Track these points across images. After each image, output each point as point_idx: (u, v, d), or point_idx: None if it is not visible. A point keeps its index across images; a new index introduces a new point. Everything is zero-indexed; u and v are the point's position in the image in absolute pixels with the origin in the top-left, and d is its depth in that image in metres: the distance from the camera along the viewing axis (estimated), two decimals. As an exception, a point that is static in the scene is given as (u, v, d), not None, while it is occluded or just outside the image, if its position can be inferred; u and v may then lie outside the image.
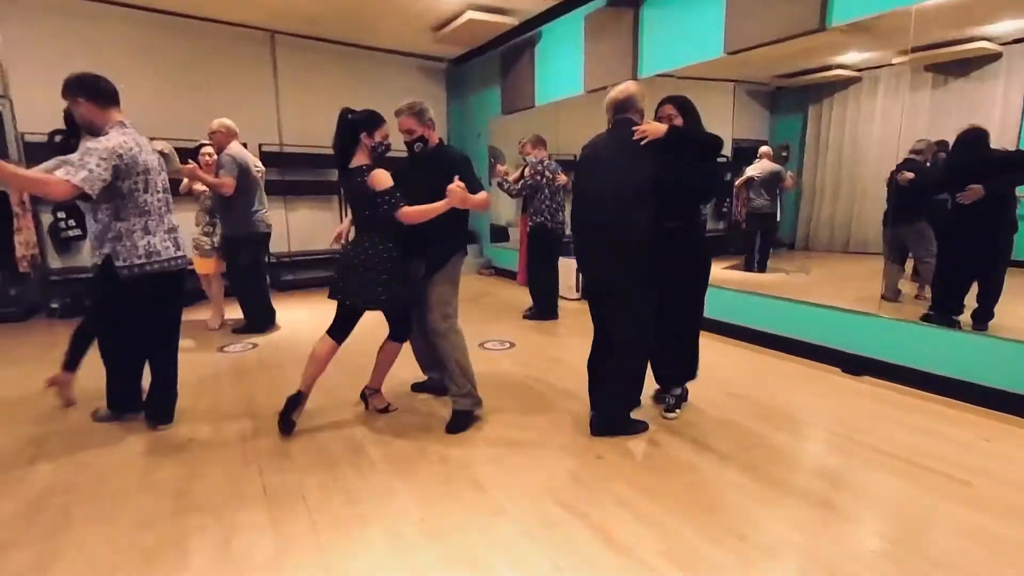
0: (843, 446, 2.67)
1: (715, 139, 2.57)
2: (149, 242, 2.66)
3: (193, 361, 3.85)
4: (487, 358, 4.02)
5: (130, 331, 2.84)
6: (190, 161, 4.32)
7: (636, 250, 2.55)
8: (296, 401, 2.82)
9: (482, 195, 2.71)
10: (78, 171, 2.39)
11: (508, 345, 4.34)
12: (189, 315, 5.34)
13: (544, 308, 5.13)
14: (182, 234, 2.85)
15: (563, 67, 6.02)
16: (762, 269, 5.13)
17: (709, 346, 4.14)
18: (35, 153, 5.04)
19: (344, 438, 2.77)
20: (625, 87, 2.69)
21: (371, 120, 2.69)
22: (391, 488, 2.31)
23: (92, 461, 2.53)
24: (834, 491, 2.28)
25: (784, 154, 5.18)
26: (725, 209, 5.45)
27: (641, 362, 2.75)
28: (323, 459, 2.55)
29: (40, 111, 5.11)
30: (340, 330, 2.81)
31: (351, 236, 2.88)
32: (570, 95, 5.93)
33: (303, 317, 5.37)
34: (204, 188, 4.65)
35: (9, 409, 3.11)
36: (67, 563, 1.87)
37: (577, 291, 5.89)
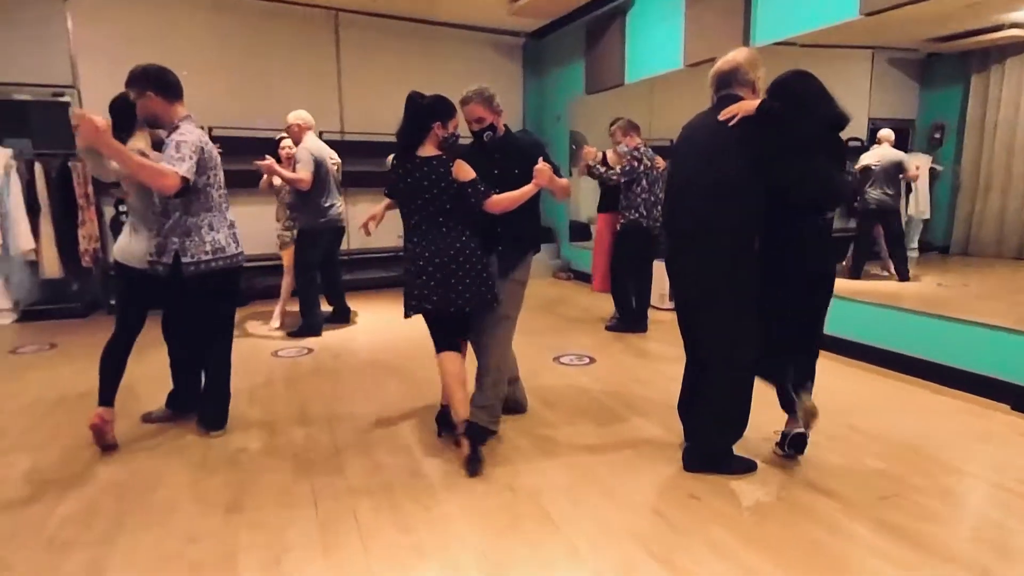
0: (1011, 503, 2.37)
1: (835, 116, 2.34)
2: (215, 238, 2.83)
3: (246, 365, 4.05)
4: (562, 374, 3.96)
5: (190, 329, 3.02)
6: (267, 156, 4.61)
7: (730, 257, 2.40)
8: (444, 415, 2.91)
9: (566, 180, 2.77)
10: (182, 163, 2.61)
11: (587, 360, 4.25)
12: (244, 313, 5.65)
13: (631, 318, 5.00)
14: (241, 230, 3.00)
15: (659, 38, 5.86)
16: (903, 277, 4.75)
17: (826, 368, 3.85)
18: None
19: (401, 457, 2.79)
20: (732, 56, 2.52)
21: (446, 109, 2.73)
22: (450, 516, 2.29)
23: (145, 466, 2.71)
24: (998, 560, 2.02)
25: (937, 135, 4.74)
26: (857, 204, 5.07)
27: (746, 387, 2.57)
28: (378, 479, 2.58)
29: (106, 101, 5.58)
30: (447, 340, 2.80)
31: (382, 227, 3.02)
32: (667, 70, 5.75)
33: (362, 321, 5.54)
34: (283, 183, 4.94)
35: (69, 408, 3.40)
36: (118, 570, 2.00)
37: (671, 299, 5.68)
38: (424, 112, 2.69)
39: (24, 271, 5.57)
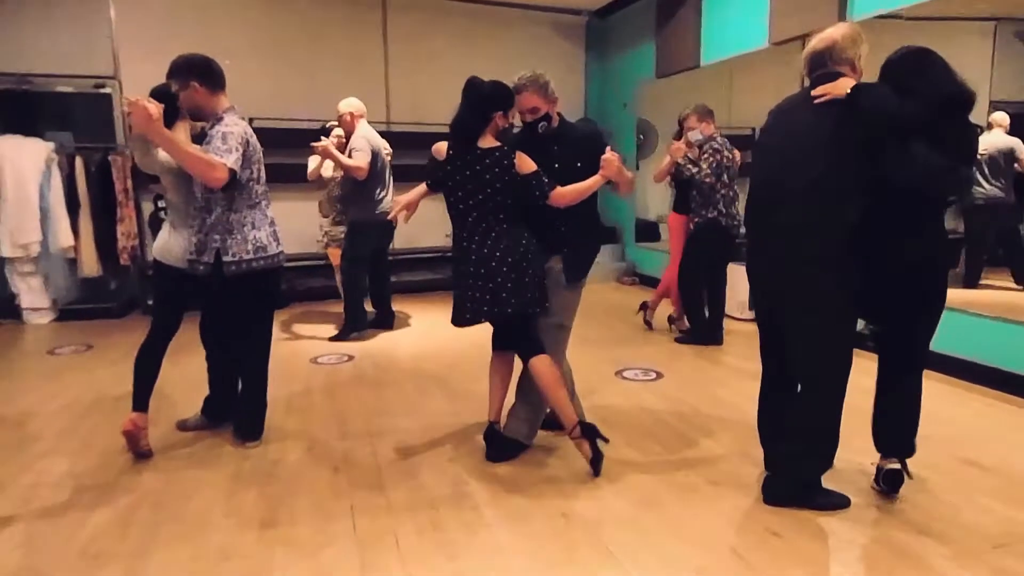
0: None
1: (951, 94, 2.23)
2: (256, 236, 2.97)
3: (284, 371, 4.21)
4: (625, 390, 3.94)
5: (228, 332, 3.17)
6: (322, 138, 4.80)
7: (825, 259, 2.34)
8: (493, 434, 2.99)
9: (631, 174, 2.86)
10: (230, 155, 2.75)
11: (653, 375, 4.22)
12: (283, 316, 5.87)
13: (704, 329, 4.93)
14: (281, 227, 3.14)
15: (740, 13, 5.78)
16: (1020, 281, 4.51)
17: (934, 391, 3.69)
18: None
19: (447, 477, 2.85)
20: (828, 32, 2.46)
21: (507, 98, 2.81)
22: (499, 545, 2.32)
23: (181, 476, 2.86)
24: None
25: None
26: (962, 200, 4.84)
27: (836, 409, 2.50)
28: (421, 500, 2.64)
29: (147, 92, 5.91)
30: (530, 344, 2.88)
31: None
32: (749, 50, 5.66)
33: (407, 327, 5.66)
34: (334, 174, 5.12)
35: (106, 411, 3.63)
36: (150, 586, 2.12)
37: (750, 309, 5.57)
38: (486, 100, 2.76)
39: (63, 269, 5.98)
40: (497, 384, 2.99)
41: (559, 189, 2.76)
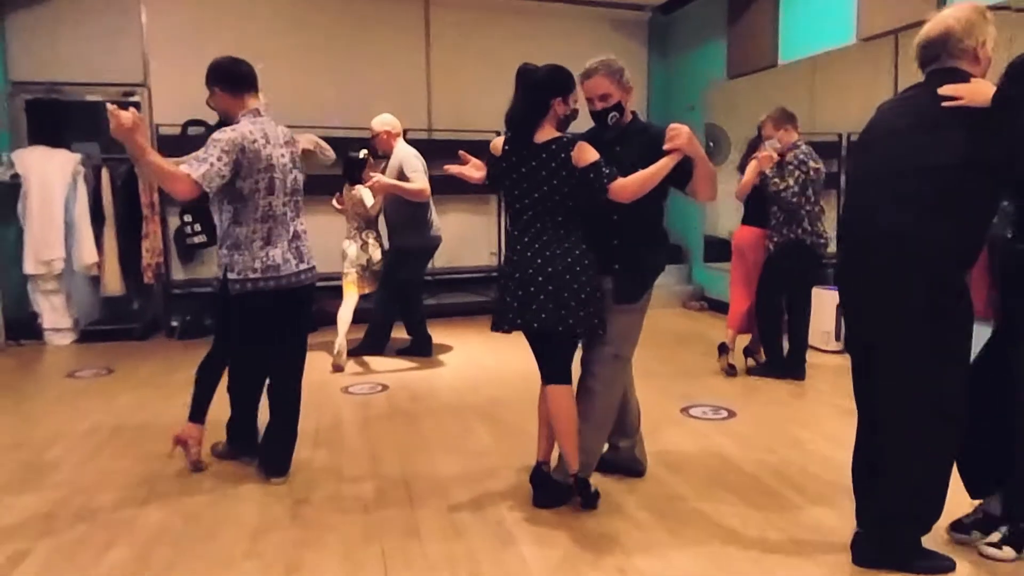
0: None
1: None
2: (268, 254, 3.01)
3: (313, 401, 4.26)
4: (692, 430, 3.87)
5: (245, 357, 3.24)
6: (371, 175, 4.90)
7: (936, 284, 2.24)
8: (541, 477, 2.97)
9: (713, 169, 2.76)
10: (199, 165, 2.81)
11: (724, 413, 4.13)
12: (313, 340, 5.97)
13: (783, 361, 4.81)
14: (310, 241, 3.19)
15: (823, 5, 5.72)
16: None
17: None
18: (169, 147, 6.11)
19: (489, 523, 2.83)
20: (942, 16, 2.34)
21: (566, 81, 2.77)
22: (548, 603, 2.28)
23: (201, 512, 2.92)
24: None
25: None
26: None
27: (945, 461, 2.38)
28: (460, 547, 2.63)
29: (175, 100, 6.21)
30: (557, 369, 2.86)
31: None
32: (833, 47, 5.58)
33: (446, 354, 5.69)
34: (378, 204, 5.19)
35: (125, 440, 3.74)
36: (165, 635, 2.16)
37: (837, 340, 5.40)
38: (542, 86, 2.74)
39: (86, 287, 6.25)
40: (547, 421, 2.96)
41: (620, 180, 2.65)
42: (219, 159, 2.83)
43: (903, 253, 2.27)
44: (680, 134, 2.62)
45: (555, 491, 2.93)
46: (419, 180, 4.98)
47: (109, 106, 2.65)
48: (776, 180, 4.51)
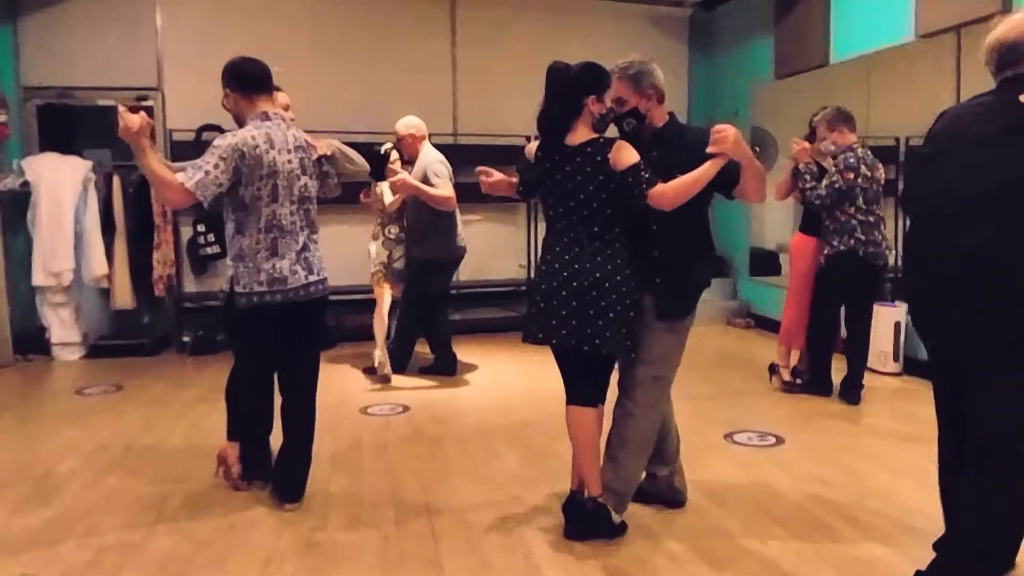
0: None
1: None
2: (275, 266, 3.03)
3: (329, 423, 4.29)
4: (736, 457, 3.83)
5: (255, 376, 3.27)
6: (395, 170, 4.97)
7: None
8: (575, 506, 2.94)
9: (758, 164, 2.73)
10: (195, 173, 2.86)
11: (772, 440, 4.07)
12: (328, 356, 6.02)
13: (830, 382, 4.75)
14: (323, 251, 3.21)
15: (879, 0, 5.65)
16: None
17: None
18: (183, 153, 6.24)
19: (515, 555, 2.81)
20: (1021, 20, 2.31)
21: (600, 78, 2.78)
22: (580, 642, 2.26)
23: (211, 538, 2.95)
24: None
25: None
26: None
27: None
28: (486, 581, 2.61)
29: (190, 105, 6.33)
30: (582, 390, 2.87)
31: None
32: (890, 44, 5.54)
33: (473, 375, 5.69)
34: (396, 203, 5.29)
35: (134, 461, 3.80)
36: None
37: (896, 360, 5.31)
38: (572, 84, 2.74)
39: (95, 300, 6.37)
40: (575, 448, 2.94)
41: (661, 185, 2.63)
42: (216, 166, 2.87)
43: (986, 271, 2.22)
44: (726, 136, 2.59)
45: (589, 521, 2.90)
46: (444, 186, 5.03)
47: (119, 107, 2.74)
48: (807, 176, 4.55)
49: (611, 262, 2.73)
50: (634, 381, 2.89)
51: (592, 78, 2.75)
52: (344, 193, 5.60)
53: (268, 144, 3.00)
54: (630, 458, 2.91)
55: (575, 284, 2.70)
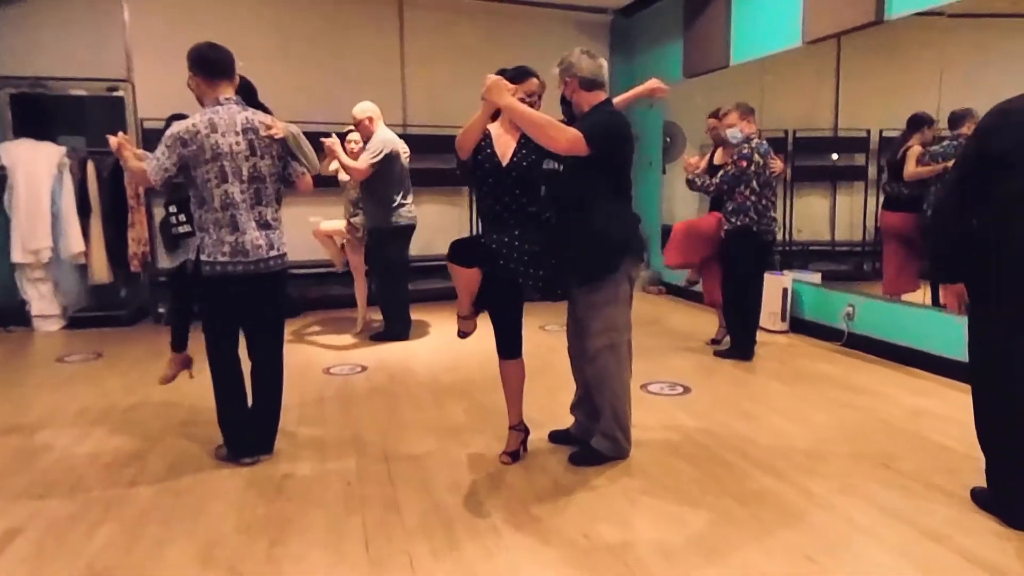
0: None
1: None
2: (237, 240, 2.95)
3: (296, 381, 4.23)
4: (651, 404, 3.90)
5: (219, 338, 3.09)
6: (334, 135, 4.87)
7: None
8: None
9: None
10: (150, 161, 2.87)
11: (680, 389, 4.17)
12: (295, 325, 5.90)
13: (738, 343, 4.86)
14: (285, 229, 3.13)
15: (772, 10, 5.74)
16: None
17: None
18: (154, 141, 5.93)
19: (463, 494, 2.83)
20: None
21: (516, 75, 2.91)
22: (517, 565, 2.30)
23: (189, 489, 2.88)
24: None
25: None
26: None
27: None
28: (437, 519, 2.63)
29: (159, 95, 6.00)
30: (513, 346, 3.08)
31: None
32: (782, 49, 5.62)
33: (423, 337, 5.66)
34: (347, 176, 5.22)
35: (115, 422, 3.67)
36: (156, 606, 2.13)
37: (784, 320, 5.49)
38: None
39: (73, 275, 6.08)
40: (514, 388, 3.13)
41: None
42: (163, 154, 2.87)
43: None
44: (487, 85, 2.72)
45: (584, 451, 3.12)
46: (364, 160, 4.93)
47: (110, 138, 2.89)
48: (695, 181, 4.94)
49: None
50: (593, 353, 2.98)
51: (511, 75, 2.89)
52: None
53: (210, 129, 2.90)
54: (609, 412, 3.04)
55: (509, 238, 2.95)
